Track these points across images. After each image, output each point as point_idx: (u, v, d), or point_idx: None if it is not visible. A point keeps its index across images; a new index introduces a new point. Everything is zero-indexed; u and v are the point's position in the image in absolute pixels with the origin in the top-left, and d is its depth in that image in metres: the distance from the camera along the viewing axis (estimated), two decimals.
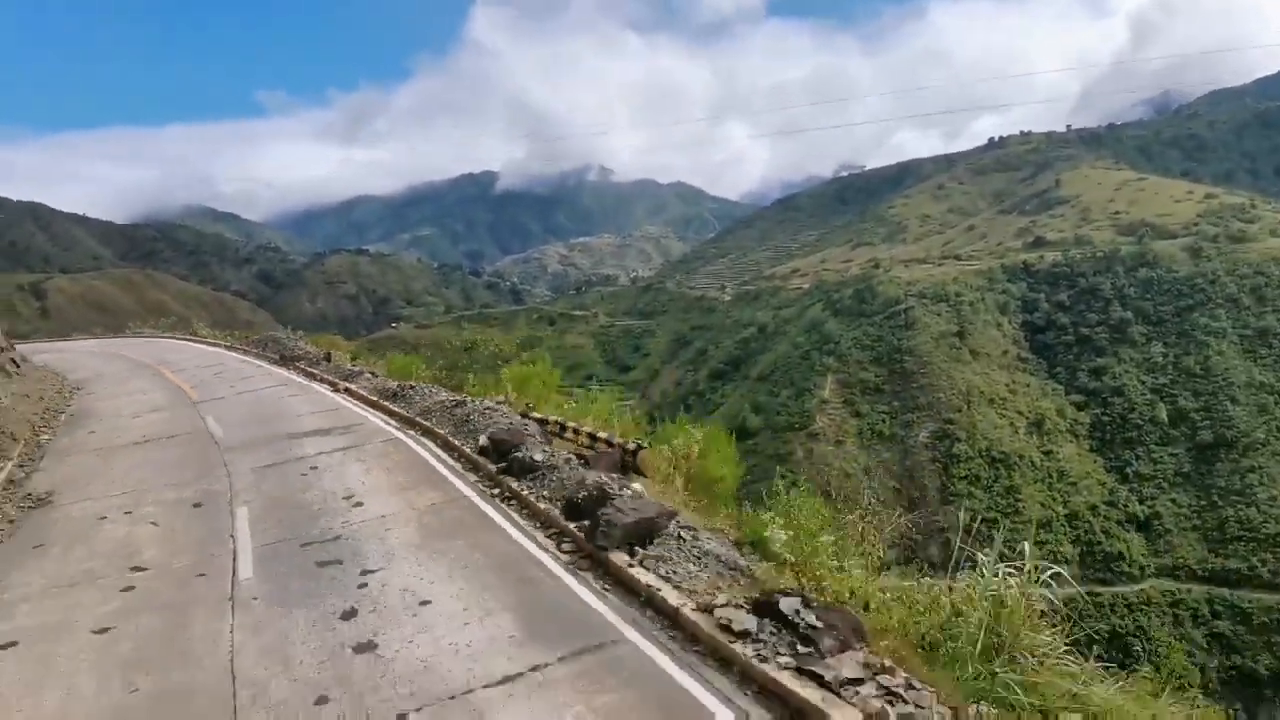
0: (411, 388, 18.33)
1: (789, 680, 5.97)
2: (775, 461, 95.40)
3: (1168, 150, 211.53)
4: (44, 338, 47.34)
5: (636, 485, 10.88)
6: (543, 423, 14.42)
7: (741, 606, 7.01)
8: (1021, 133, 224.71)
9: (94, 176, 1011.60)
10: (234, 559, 9.60)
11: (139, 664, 7.20)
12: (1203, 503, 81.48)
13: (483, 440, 13.07)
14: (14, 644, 7.71)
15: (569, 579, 8.48)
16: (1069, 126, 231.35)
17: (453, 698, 6.26)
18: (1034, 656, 6.10)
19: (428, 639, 7.26)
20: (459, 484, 12.11)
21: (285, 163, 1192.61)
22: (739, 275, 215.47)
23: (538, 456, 11.74)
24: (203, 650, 7.37)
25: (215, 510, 11.60)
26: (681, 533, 8.87)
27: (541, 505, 10.50)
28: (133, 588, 8.94)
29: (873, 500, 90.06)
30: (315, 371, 22.08)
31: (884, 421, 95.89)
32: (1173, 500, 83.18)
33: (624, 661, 6.75)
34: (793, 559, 8.40)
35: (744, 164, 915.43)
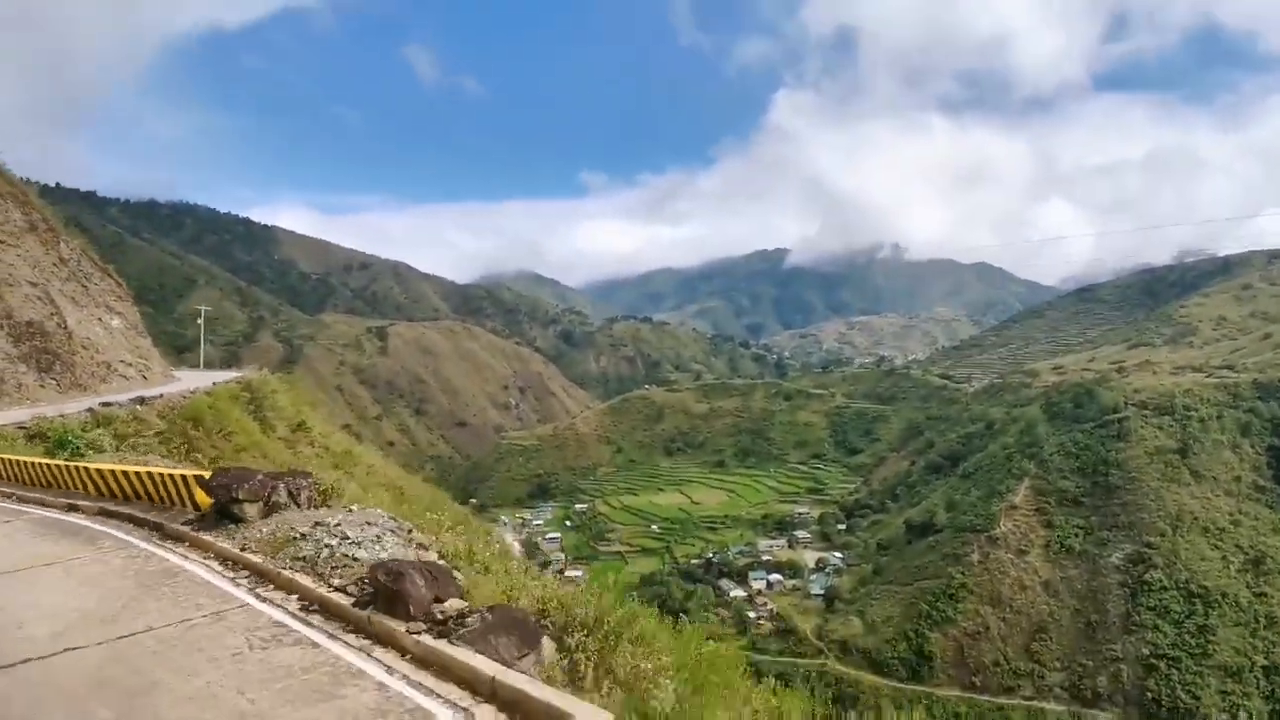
0: None
1: None
2: (950, 562, 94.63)
3: None
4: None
5: None
6: None
7: None
8: None
9: (448, 242, 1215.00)
10: None
11: None
12: None
13: None
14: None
15: None
16: None
17: None
18: None
19: None
20: None
21: (600, 236, 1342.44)
22: (1008, 367, 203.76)
23: None
24: None
25: None
26: None
27: None
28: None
29: (1049, 617, 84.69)
30: None
31: (1076, 536, 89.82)
32: None
33: None
34: None
35: (1062, 247, 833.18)
